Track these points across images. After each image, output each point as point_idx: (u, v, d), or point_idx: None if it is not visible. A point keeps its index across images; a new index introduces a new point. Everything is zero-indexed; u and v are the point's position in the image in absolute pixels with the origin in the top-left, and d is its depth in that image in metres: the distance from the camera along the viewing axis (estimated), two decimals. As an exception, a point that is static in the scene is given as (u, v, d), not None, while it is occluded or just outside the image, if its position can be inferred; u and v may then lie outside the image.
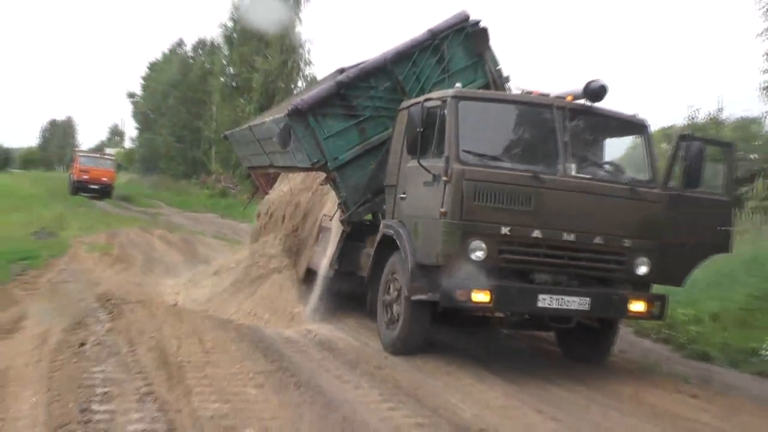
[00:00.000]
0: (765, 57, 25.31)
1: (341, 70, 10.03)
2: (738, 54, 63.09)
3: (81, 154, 49.26)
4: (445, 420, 6.46)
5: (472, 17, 10.73)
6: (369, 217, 10.30)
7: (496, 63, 11.01)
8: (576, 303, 8.16)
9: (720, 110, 25.56)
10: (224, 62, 50.00)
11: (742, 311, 11.38)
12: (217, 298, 11.57)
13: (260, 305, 10.94)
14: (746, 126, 26.92)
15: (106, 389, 6.62)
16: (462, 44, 10.71)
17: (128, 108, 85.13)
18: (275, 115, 12.30)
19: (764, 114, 26.34)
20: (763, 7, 24.14)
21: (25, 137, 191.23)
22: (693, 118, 25.19)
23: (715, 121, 25.44)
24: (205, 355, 8.19)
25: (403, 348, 8.82)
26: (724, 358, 10.04)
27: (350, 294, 11.22)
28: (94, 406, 6.13)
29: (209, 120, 52.20)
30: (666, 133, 23.23)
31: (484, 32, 10.86)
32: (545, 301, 8.06)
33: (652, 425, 6.99)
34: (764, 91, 25.93)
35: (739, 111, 28.56)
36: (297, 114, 9.81)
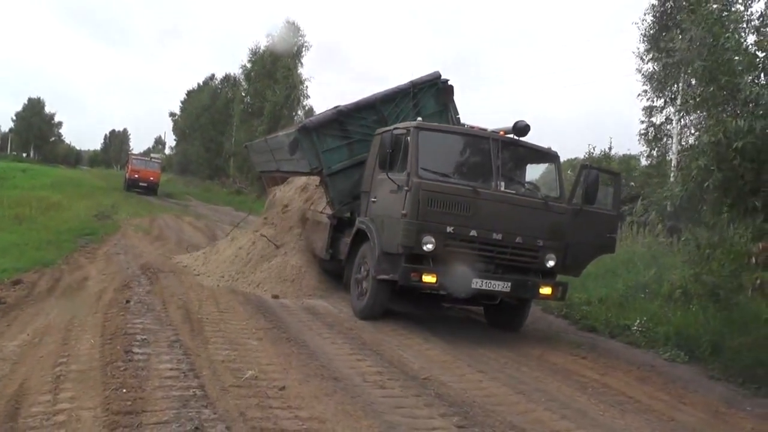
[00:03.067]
0: (643, 112, 25.83)
1: (337, 107, 10.09)
2: (626, 106, 63.70)
3: (134, 157, 46.68)
4: (399, 370, 6.50)
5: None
6: (348, 214, 10.25)
7: (456, 112, 11.08)
8: (500, 286, 8.24)
9: (610, 148, 25.86)
10: (243, 93, 50.12)
11: (620, 297, 11.44)
12: (231, 271, 11.44)
13: (266, 278, 10.84)
14: (628, 161, 27.28)
15: (144, 337, 6.61)
16: (433, 95, 10.85)
17: (169, 124, 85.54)
18: (286, 131, 12.38)
19: (641, 153, 26.88)
20: (644, 75, 24.70)
21: (91, 142, 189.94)
22: (591, 153, 25.46)
23: (607, 156, 25.68)
24: (220, 314, 8.19)
25: (369, 314, 8.83)
26: (607, 330, 10.11)
27: (332, 272, 11.17)
28: (135, 349, 6.12)
29: (230, 136, 52.16)
30: (571, 163, 23.46)
31: (450, 88, 11.05)
32: (477, 283, 8.13)
33: (552, 378, 7.06)
34: (642, 137, 26.42)
35: (624, 150, 29.06)
36: (305, 131, 9.97)
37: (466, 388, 6.11)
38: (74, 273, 11.00)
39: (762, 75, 7.55)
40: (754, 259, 8.18)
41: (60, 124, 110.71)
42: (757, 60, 7.54)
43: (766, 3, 7.73)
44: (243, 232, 13.94)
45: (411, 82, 10.65)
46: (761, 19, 7.69)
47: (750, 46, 7.71)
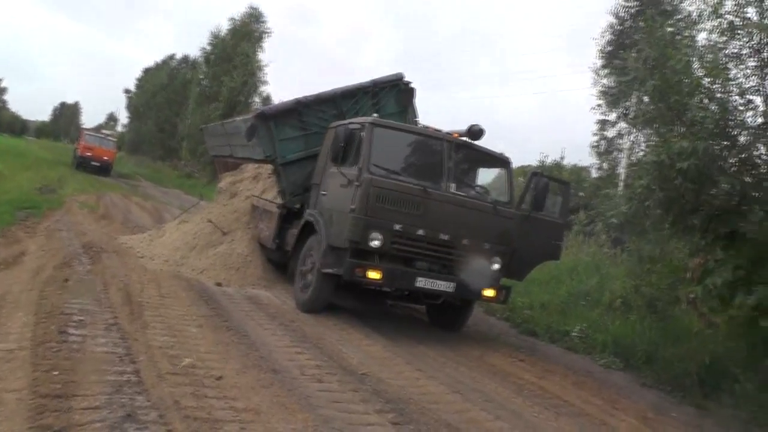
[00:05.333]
0: (596, 124, 26.38)
1: (298, 100, 10.05)
2: (581, 118, 64.68)
3: (87, 132, 42.28)
4: (338, 364, 6.47)
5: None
6: (299, 206, 10.19)
7: (415, 115, 11.15)
8: (444, 286, 8.27)
9: (562, 158, 26.28)
10: (201, 76, 49.29)
11: (562, 303, 11.65)
12: (176, 255, 11.29)
13: (211, 265, 10.72)
14: (579, 172, 27.76)
15: (81, 318, 6.42)
16: (394, 96, 10.89)
17: (123, 101, 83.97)
18: (244, 117, 12.31)
19: (592, 165, 27.43)
20: (598, 90, 25.23)
21: (40, 112, 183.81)
22: (543, 162, 25.81)
23: (558, 166, 26.06)
24: (161, 299, 8.04)
25: (311, 307, 8.78)
26: (547, 335, 10.29)
27: (277, 263, 11.10)
28: (70, 330, 5.94)
29: (185, 118, 51.22)
30: (524, 170, 23.75)
31: (411, 91, 11.10)
32: (421, 282, 8.14)
33: (490, 379, 7.14)
34: (593, 149, 26.96)
35: (575, 160, 29.64)
36: (263, 117, 9.90)
37: (403, 385, 6.13)
38: (11, 247, 10.63)
39: (706, 99, 7.76)
40: (690, 274, 8.41)
41: (5, 89, 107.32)
42: (703, 84, 7.75)
43: (708, 31, 7.88)
44: (191, 216, 13.75)
45: (373, 80, 10.68)
46: (706, 46, 7.90)
47: (697, 70, 7.93)
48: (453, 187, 8.46)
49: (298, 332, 7.63)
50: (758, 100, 7.74)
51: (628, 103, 24.03)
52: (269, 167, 10.90)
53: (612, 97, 25.51)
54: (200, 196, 18.22)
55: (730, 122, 7.71)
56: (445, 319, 9.64)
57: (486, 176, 9.68)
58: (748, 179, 7.87)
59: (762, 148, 7.84)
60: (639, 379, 8.61)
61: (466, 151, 8.97)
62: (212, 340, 6.55)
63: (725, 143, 7.84)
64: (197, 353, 5.94)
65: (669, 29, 8.07)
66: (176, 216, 15.65)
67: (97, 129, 52.51)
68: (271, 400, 5.01)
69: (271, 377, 5.61)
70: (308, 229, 9.29)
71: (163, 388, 4.84)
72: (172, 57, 67.60)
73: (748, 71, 7.74)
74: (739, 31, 7.56)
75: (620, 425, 6.39)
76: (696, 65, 7.88)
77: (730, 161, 7.99)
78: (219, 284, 9.90)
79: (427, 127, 9.40)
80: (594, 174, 28.18)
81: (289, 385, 5.46)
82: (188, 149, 48.27)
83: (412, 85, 11.11)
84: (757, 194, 7.75)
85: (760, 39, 7.50)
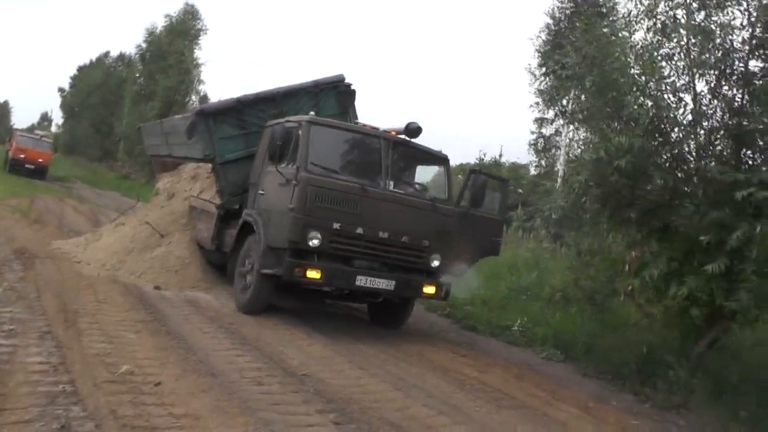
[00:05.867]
0: (534, 122, 26.85)
1: (239, 98, 9.95)
2: (517, 115, 65.74)
3: (20, 133, 40.05)
4: (278, 365, 6.42)
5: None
6: (237, 206, 10.09)
7: (355, 116, 11.10)
8: (384, 284, 8.29)
9: (501, 156, 26.64)
10: (137, 75, 48.16)
11: (502, 299, 11.81)
12: (113, 259, 11.05)
13: (148, 268, 10.52)
14: (517, 169, 28.23)
15: (12, 327, 6.23)
16: (335, 97, 10.86)
17: (57, 100, 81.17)
18: (183, 115, 12.12)
19: (530, 162, 27.91)
20: (535, 88, 25.67)
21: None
22: (482, 159, 26.13)
23: (497, 163, 26.41)
24: (98, 305, 7.84)
25: (251, 309, 8.70)
26: (487, 330, 10.41)
27: (217, 264, 10.96)
28: (0, 341, 5.74)
29: (121, 118, 49.99)
30: (463, 168, 24.03)
31: (352, 93, 11.10)
32: (361, 281, 8.16)
33: (431, 375, 7.18)
34: (532, 147, 27.43)
35: (513, 158, 30.09)
36: (202, 115, 9.79)
37: (345, 385, 6.11)
38: (-67, 254, 10.27)
39: (642, 97, 7.98)
40: (627, 267, 8.62)
41: None
42: (639, 82, 7.97)
43: (645, 30, 8.11)
44: (128, 219, 13.46)
45: (314, 81, 10.64)
46: (641, 46, 8.12)
47: (633, 68, 8.15)
48: (391, 185, 8.52)
49: (238, 334, 7.54)
50: (688, 98, 7.97)
51: (565, 102, 24.51)
52: (208, 167, 10.77)
53: (549, 96, 25.95)
54: (138, 197, 17.87)
55: (663, 119, 7.92)
56: (386, 317, 9.66)
57: (425, 174, 9.74)
58: (679, 174, 8.12)
59: (692, 144, 8.09)
60: (579, 370, 8.78)
61: (403, 148, 9.00)
62: (150, 346, 6.42)
63: (659, 140, 8.07)
64: (135, 360, 5.80)
65: (605, 30, 8.26)
66: (113, 219, 15.28)
67: (31, 129, 50.46)
68: (210, 405, 4.93)
69: (210, 381, 5.52)
70: (247, 230, 9.18)
71: (99, 398, 4.70)
72: (107, 54, 65.87)
73: (680, 70, 7.97)
74: (671, 32, 7.78)
75: (561, 415, 6.50)
76: (632, 63, 8.10)
77: (664, 157, 8.22)
78: (157, 288, 9.72)
79: (364, 125, 9.40)
80: (532, 171, 28.67)
81: (228, 389, 5.38)
82: (125, 150, 47.20)
83: (353, 87, 11.13)
84: (687, 189, 7.99)
85: (689, 40, 7.73)
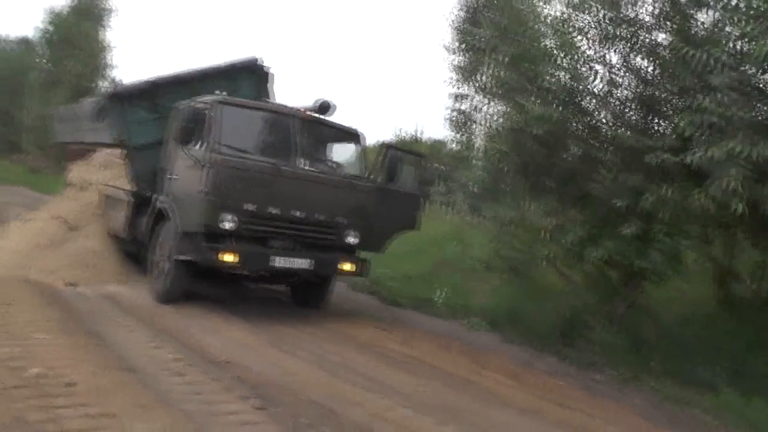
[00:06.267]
0: (450, 97, 27.00)
1: (153, 81, 9.59)
2: (436, 91, 66.02)
3: None
4: (199, 354, 6.22)
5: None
6: (151, 193, 9.74)
7: (273, 99, 10.80)
8: (301, 263, 8.22)
9: (420, 132, 26.72)
10: (42, 60, 45.66)
11: (426, 272, 11.89)
12: (22, 258, 10.51)
13: (61, 265, 10.07)
14: (436, 145, 28.39)
15: None
16: (251, 79, 10.56)
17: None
18: (95, 98, 11.78)
19: (447, 138, 28.09)
20: (451, 63, 25.76)
21: None
22: (399, 136, 26.19)
23: (416, 140, 26.51)
24: (6, 307, 7.36)
25: (169, 298, 8.47)
26: (411, 304, 10.45)
27: (134, 255, 10.58)
28: None
29: (26, 108, 47.29)
30: (384, 144, 24.03)
31: (268, 75, 10.80)
32: (278, 261, 8.06)
33: (356, 352, 7.14)
34: (448, 121, 27.59)
35: (433, 134, 30.27)
36: (115, 97, 9.43)
37: (267, 369, 5.98)
38: None
39: (557, 69, 8.11)
40: (546, 234, 8.79)
41: None
42: (554, 53, 8.09)
43: (559, 4, 8.25)
44: (38, 213, 12.83)
45: (230, 63, 10.36)
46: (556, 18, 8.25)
47: (549, 39, 8.29)
48: (304, 163, 8.39)
49: (157, 326, 7.31)
50: (601, 69, 8.13)
51: (482, 76, 24.72)
52: (120, 153, 10.37)
53: (465, 72, 26.09)
54: (50, 192, 17.03)
55: (578, 90, 8.10)
56: (307, 297, 9.58)
57: (338, 152, 9.65)
58: (594, 143, 8.31)
59: (606, 113, 8.28)
60: (504, 337, 8.90)
61: (315, 126, 8.87)
62: (64, 345, 6.08)
63: (574, 109, 8.23)
64: (46, 361, 5.46)
65: (522, 7, 8.37)
66: (20, 214, 14.53)
67: None
68: (128, 402, 4.69)
69: (128, 377, 5.28)
70: (160, 217, 8.92)
71: (4, 405, 4.41)
72: (6, 39, 62.23)
73: (593, 42, 8.11)
74: (583, 5, 7.90)
75: (486, 381, 6.57)
76: (547, 35, 8.22)
77: (579, 126, 8.40)
78: (72, 284, 9.31)
79: (275, 104, 9.24)
80: (452, 147, 28.87)
81: (147, 383, 5.16)
82: (33, 142, 44.78)
83: (269, 69, 10.86)
84: (602, 156, 8.19)
85: (600, 13, 7.84)
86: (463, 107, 27.83)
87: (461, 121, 27.94)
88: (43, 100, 40.12)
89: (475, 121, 27.17)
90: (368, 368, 6.49)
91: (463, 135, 28.06)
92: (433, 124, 79.79)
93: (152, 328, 7.22)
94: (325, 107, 8.86)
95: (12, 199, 23.02)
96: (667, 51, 7.25)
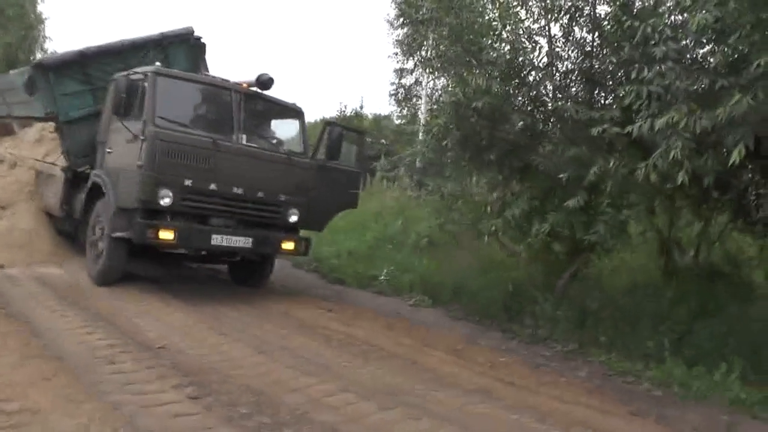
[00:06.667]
0: (394, 73, 26.84)
1: (81, 51, 9.14)
2: (379, 66, 65.72)
3: None
4: (133, 340, 5.92)
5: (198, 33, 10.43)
6: (88, 168, 9.33)
7: (207, 71, 10.45)
8: (242, 242, 8.00)
9: (362, 107, 26.48)
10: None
11: (369, 249, 11.75)
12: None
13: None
14: (380, 120, 28.19)
15: None
16: (184, 50, 10.24)
17: None
18: (20, 69, 11.26)
19: (391, 113, 27.94)
20: (394, 39, 25.57)
21: None
22: (342, 112, 25.90)
23: (359, 115, 26.27)
24: None
25: (105, 279, 8.16)
26: (355, 282, 10.30)
27: (69, 234, 10.20)
28: None
29: (-45, 81, 45.08)
30: (325, 121, 23.76)
31: (203, 46, 10.50)
32: (217, 239, 7.83)
33: (297, 334, 6.92)
34: (392, 97, 27.44)
35: (376, 109, 30.05)
36: (41, 68, 9.00)
37: (204, 354, 5.73)
38: None
39: (499, 42, 8.01)
40: (490, 208, 8.73)
41: None
42: (495, 26, 7.99)
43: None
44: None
45: (162, 33, 9.96)
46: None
47: (490, 12, 8.18)
48: (244, 138, 8.16)
49: (91, 310, 6.97)
50: (543, 41, 8.11)
51: (424, 51, 24.59)
52: (53, 129, 9.95)
53: (407, 46, 25.90)
54: None
55: (520, 62, 8.01)
56: (247, 276, 9.41)
57: (280, 128, 9.39)
58: (537, 115, 8.25)
59: (548, 85, 8.21)
60: (448, 313, 8.83)
61: (256, 101, 8.63)
62: (-15, 335, 5.75)
63: (516, 82, 8.15)
64: (-38, 353, 5.17)
65: None
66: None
67: None
68: (53, 394, 4.37)
69: (55, 366, 4.94)
70: (96, 193, 8.55)
71: None
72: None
73: (535, 15, 8.08)
74: None
75: (430, 360, 6.44)
76: (488, 8, 8.08)
77: (522, 99, 8.31)
78: (1, 266, 8.89)
79: (214, 78, 8.90)
80: (395, 121, 28.71)
81: (76, 373, 4.84)
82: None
83: (203, 40, 10.53)
84: (545, 129, 8.17)
85: None
86: (405, 82, 27.77)
87: (404, 96, 27.87)
88: (-29, 71, 38.11)
89: (418, 96, 27.14)
90: (310, 351, 6.29)
91: (406, 110, 28.03)
92: (376, 100, 79.50)
93: (86, 312, 6.89)
94: (266, 82, 8.56)
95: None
96: (609, 23, 7.18)
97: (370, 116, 28.02)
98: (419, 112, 26.32)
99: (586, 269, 8.68)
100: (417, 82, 27.26)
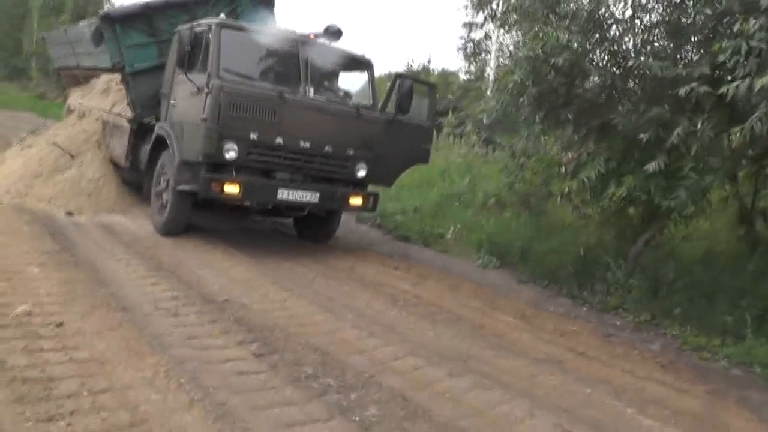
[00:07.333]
0: (463, 27, 26.10)
1: (147, 3, 9.09)
2: (448, 20, 64.41)
3: None
4: (196, 292, 5.85)
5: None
6: (153, 120, 9.32)
7: (275, 22, 10.24)
8: (308, 196, 7.82)
9: (429, 62, 25.98)
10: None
11: (435, 206, 11.46)
12: (19, 185, 10.13)
13: (59, 193, 9.71)
14: (447, 76, 27.59)
15: None
16: (253, 4, 10.02)
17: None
18: (88, 21, 11.14)
19: (459, 68, 27.27)
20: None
21: None
22: (410, 66, 25.46)
23: (426, 70, 25.80)
24: (-2, 237, 7.03)
25: (169, 230, 8.12)
26: (420, 239, 10.03)
27: (134, 184, 10.25)
28: None
29: (30, 34, 46.39)
30: (391, 76, 23.40)
31: (272, 0, 10.32)
32: (284, 194, 7.66)
33: (362, 292, 6.75)
34: (460, 51, 26.74)
35: (443, 65, 29.46)
36: (108, 20, 8.97)
37: (268, 310, 5.61)
38: None
39: None
40: (563, 168, 8.34)
41: None
42: None
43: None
44: (36, 140, 12.41)
45: None
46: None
47: None
48: (311, 91, 7.91)
49: (155, 260, 6.94)
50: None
51: (494, 4, 23.83)
52: (119, 79, 9.93)
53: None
54: (44, 117, 16.51)
55: (601, 15, 7.47)
56: (313, 231, 9.26)
57: (347, 80, 9.12)
58: (617, 72, 7.74)
59: (630, 40, 7.68)
60: (516, 276, 8.47)
61: (324, 53, 8.30)
62: (55, 280, 5.70)
63: (596, 36, 7.63)
64: (35, 298, 5.10)
65: None
66: (18, 142, 14.11)
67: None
68: (118, 345, 4.33)
69: (120, 317, 4.89)
70: (161, 145, 8.50)
71: (-16, 347, 4.06)
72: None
73: None
74: None
75: (498, 326, 6.17)
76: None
77: (601, 55, 7.83)
78: (69, 213, 9.02)
79: (281, 29, 8.65)
80: (462, 77, 28.09)
81: (139, 325, 4.77)
82: (38, 68, 44.05)
83: None
84: (625, 86, 7.65)
85: None
86: (474, 37, 27.03)
87: (472, 51, 27.16)
88: (46, 25, 38.98)
89: (486, 51, 26.40)
90: (375, 310, 6.12)
91: (473, 65, 27.34)
92: (444, 55, 78.11)
93: (150, 262, 6.85)
94: (335, 33, 8.30)
95: (17, 125, 22.55)
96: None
97: (437, 72, 27.45)
98: (488, 68, 25.65)
99: (660, 236, 8.22)
100: (486, 37, 26.51)
